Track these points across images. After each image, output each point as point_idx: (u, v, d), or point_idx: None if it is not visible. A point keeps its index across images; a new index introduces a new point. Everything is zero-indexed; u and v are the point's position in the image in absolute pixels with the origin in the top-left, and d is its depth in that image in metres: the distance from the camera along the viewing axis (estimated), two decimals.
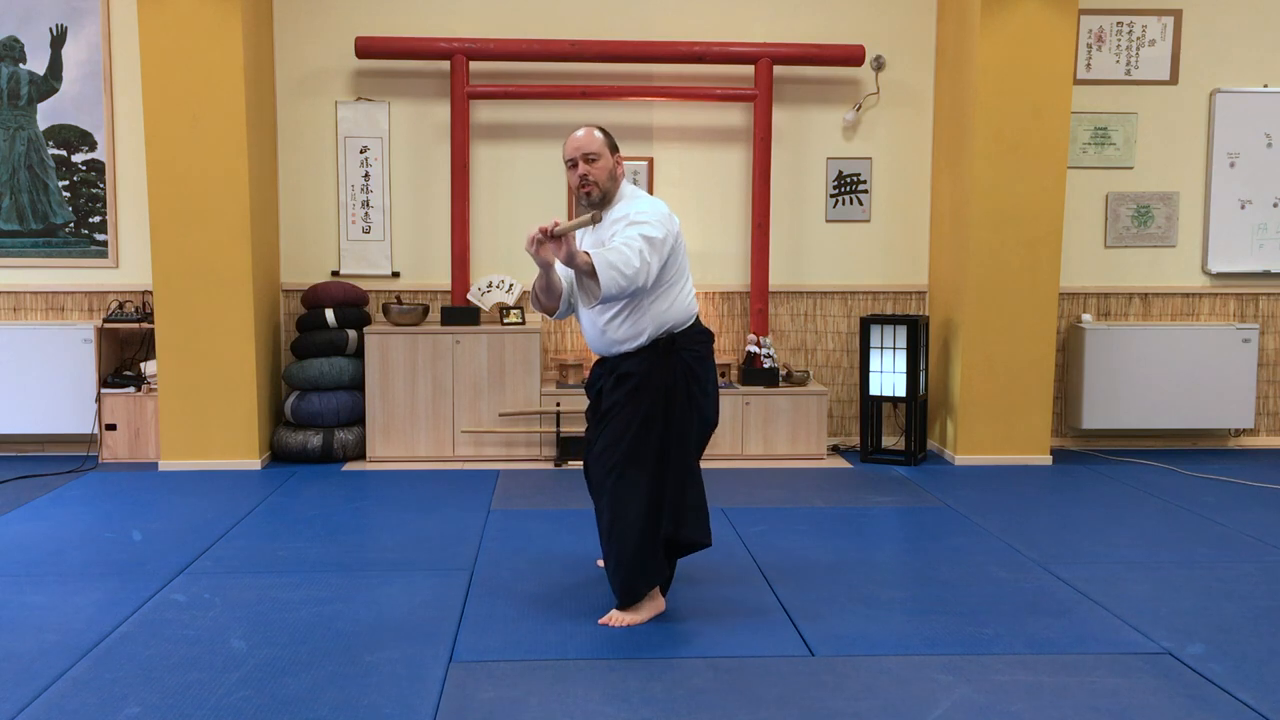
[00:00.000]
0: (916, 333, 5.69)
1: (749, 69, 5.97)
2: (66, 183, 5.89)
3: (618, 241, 3.20)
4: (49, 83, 5.84)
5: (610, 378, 3.43)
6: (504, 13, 5.98)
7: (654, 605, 3.42)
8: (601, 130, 3.41)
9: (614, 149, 3.41)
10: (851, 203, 6.20)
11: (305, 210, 6.04)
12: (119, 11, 5.79)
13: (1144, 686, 2.90)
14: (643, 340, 3.34)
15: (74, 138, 5.87)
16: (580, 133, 3.39)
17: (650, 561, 3.35)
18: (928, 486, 5.24)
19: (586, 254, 3.13)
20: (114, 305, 5.89)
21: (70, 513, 4.69)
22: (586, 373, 5.18)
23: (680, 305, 3.37)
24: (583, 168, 3.35)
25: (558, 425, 5.68)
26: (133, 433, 5.71)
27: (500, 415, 5.69)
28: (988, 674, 2.98)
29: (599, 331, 3.41)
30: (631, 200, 3.39)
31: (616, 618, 3.36)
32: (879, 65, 6.11)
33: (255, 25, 5.56)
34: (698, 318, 3.46)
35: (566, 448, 5.70)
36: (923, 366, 5.81)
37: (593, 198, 3.38)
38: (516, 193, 6.06)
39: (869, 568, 3.96)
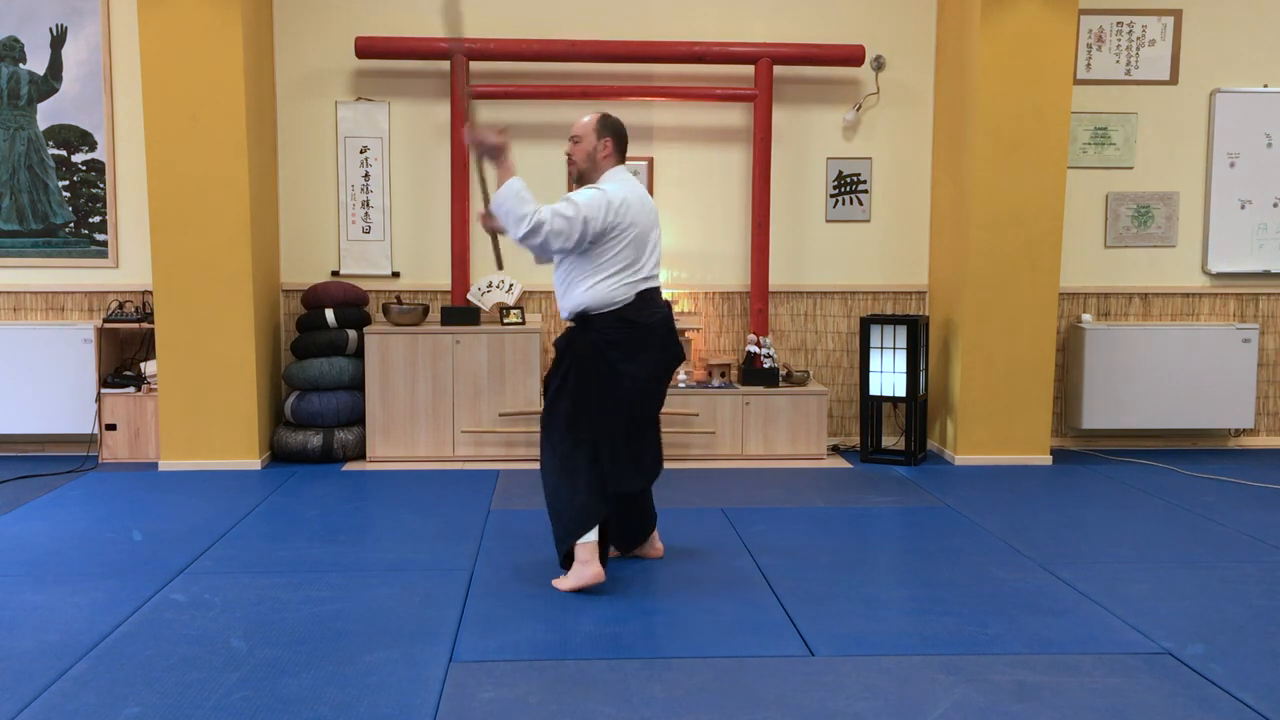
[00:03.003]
0: (916, 333, 5.69)
1: (749, 69, 5.97)
2: (66, 183, 5.89)
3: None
4: (49, 83, 5.84)
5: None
6: (504, 13, 5.98)
7: (585, 568, 3.63)
8: (600, 117, 3.75)
9: (603, 133, 3.73)
10: (851, 203, 6.20)
11: (305, 210, 6.04)
12: (119, 11, 5.79)
13: (1144, 686, 2.90)
14: (568, 315, 3.73)
15: (74, 138, 5.87)
16: (583, 117, 3.79)
17: (568, 519, 3.65)
18: (928, 486, 5.24)
19: (504, 181, 3.63)
20: (114, 305, 5.89)
21: (70, 513, 4.69)
22: None
23: (598, 292, 3.64)
24: (569, 146, 3.80)
25: None
26: (133, 433, 5.71)
27: (500, 415, 5.69)
28: (988, 674, 2.98)
29: (561, 294, 3.77)
30: (595, 184, 3.71)
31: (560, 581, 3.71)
32: (879, 65, 6.11)
33: (255, 25, 5.56)
34: (621, 310, 3.66)
35: None
36: (923, 366, 5.81)
37: (572, 174, 3.82)
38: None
39: (869, 568, 3.96)
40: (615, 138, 3.75)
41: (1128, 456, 5.99)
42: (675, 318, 5.84)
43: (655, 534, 4.05)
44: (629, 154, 5.91)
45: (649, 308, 3.72)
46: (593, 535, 3.64)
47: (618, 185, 3.68)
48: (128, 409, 5.70)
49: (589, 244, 3.60)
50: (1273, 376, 6.34)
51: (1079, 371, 6.08)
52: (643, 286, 3.70)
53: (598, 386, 3.65)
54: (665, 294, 5.99)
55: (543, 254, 3.66)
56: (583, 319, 3.68)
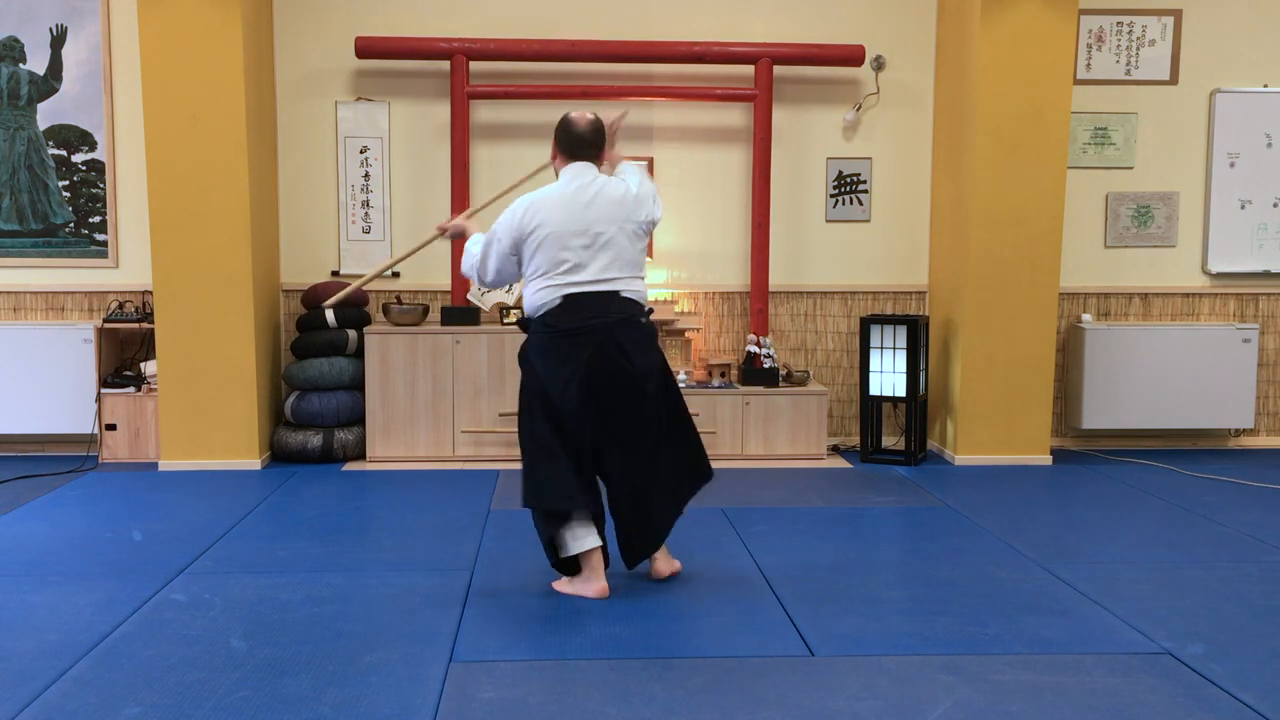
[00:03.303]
0: (916, 333, 5.69)
1: (749, 69, 5.96)
2: (66, 183, 5.89)
3: None
4: (49, 83, 5.84)
5: None
6: (504, 13, 5.98)
7: (584, 584, 3.57)
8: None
9: (554, 139, 3.73)
10: (851, 203, 6.20)
11: (305, 210, 6.04)
12: (119, 11, 5.79)
13: (1144, 686, 2.90)
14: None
15: (74, 138, 5.87)
16: None
17: (544, 527, 3.60)
18: (928, 486, 5.24)
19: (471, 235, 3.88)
20: (114, 305, 5.89)
21: (70, 513, 4.69)
22: None
23: (526, 296, 3.65)
24: None
25: None
26: (133, 433, 5.71)
27: (500, 415, 5.69)
28: (988, 674, 2.98)
29: None
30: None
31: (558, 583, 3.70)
32: (879, 65, 6.11)
33: (255, 25, 5.56)
34: (546, 315, 3.55)
35: None
36: (923, 366, 5.81)
37: None
38: (516, 192, 6.04)
39: (869, 568, 3.96)
40: (556, 139, 3.71)
41: (1128, 456, 5.99)
42: (675, 318, 5.90)
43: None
44: (627, 155, 5.95)
45: (583, 314, 3.48)
46: (588, 543, 3.55)
47: (549, 186, 3.66)
48: (128, 409, 5.70)
49: (518, 255, 3.63)
50: (1273, 376, 6.34)
51: (1079, 371, 6.08)
52: (572, 290, 3.50)
53: (529, 396, 3.62)
54: (664, 294, 6.06)
55: (499, 284, 3.77)
56: (523, 324, 3.68)
